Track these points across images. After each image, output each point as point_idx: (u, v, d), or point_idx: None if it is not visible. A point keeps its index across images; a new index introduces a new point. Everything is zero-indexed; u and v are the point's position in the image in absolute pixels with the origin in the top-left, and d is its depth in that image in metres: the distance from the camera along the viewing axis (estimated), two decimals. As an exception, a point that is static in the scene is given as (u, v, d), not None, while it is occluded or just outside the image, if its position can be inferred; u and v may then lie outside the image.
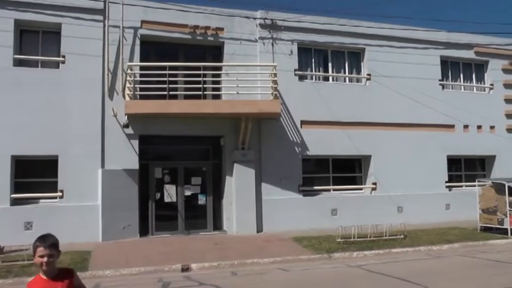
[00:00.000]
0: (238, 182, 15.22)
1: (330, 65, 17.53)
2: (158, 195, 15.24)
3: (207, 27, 15.59)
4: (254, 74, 15.45)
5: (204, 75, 14.86)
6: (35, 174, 13.88)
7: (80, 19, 14.33)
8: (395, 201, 16.97)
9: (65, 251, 11.74)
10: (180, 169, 15.56)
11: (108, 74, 14.41)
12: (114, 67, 14.52)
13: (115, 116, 14.22)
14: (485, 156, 19.53)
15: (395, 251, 12.34)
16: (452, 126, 18.54)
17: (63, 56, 14.21)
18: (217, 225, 15.76)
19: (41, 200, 13.86)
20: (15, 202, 13.51)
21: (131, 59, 14.66)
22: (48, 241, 3.36)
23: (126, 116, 14.19)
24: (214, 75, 15.58)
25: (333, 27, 17.05)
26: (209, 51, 16.30)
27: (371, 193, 17.29)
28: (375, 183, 17.22)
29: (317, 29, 16.78)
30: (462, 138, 18.58)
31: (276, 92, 14.96)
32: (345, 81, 17.87)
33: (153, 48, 15.55)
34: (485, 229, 15.07)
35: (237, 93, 14.75)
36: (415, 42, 18.16)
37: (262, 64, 15.59)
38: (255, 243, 13.42)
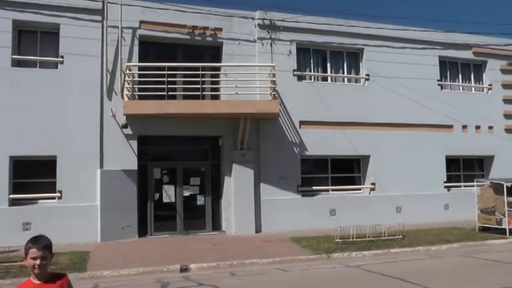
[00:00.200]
0: (237, 182, 15.22)
1: (328, 65, 17.54)
2: (157, 195, 15.23)
3: (206, 28, 15.58)
4: (253, 74, 15.47)
5: (203, 76, 14.85)
6: (34, 175, 13.86)
7: (78, 19, 14.32)
8: (394, 201, 16.98)
9: (63, 252, 11.80)
10: (179, 169, 15.55)
11: (106, 75, 14.40)
12: (112, 67, 14.50)
13: (114, 116, 14.21)
14: (483, 156, 19.55)
15: (394, 251, 12.35)
16: (450, 127, 18.56)
17: (62, 57, 14.19)
18: (216, 226, 15.75)
19: (40, 201, 13.84)
20: (13, 203, 13.49)
21: (130, 60, 14.66)
22: (41, 242, 3.16)
23: (125, 117, 14.19)
24: (212, 76, 15.58)
25: (331, 27, 17.06)
26: (208, 51, 16.30)
27: (370, 193, 17.30)
28: (373, 184, 17.24)
29: (316, 30, 16.79)
30: (461, 138, 18.60)
31: (275, 92, 14.97)
32: (343, 81, 17.88)
33: (152, 49, 15.56)
34: (484, 229, 15.09)
35: (236, 93, 14.76)
36: (414, 42, 18.18)
37: (261, 64, 15.60)
38: (254, 244, 13.41)
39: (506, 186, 14.54)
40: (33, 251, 3.11)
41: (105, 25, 14.47)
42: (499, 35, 19.91)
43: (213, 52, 16.24)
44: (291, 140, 16.22)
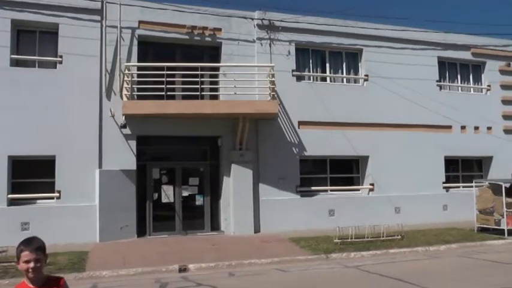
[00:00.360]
0: (236, 183, 15.22)
1: (327, 65, 17.55)
2: (156, 195, 15.22)
3: (205, 28, 15.58)
4: (252, 74, 15.47)
5: (202, 76, 14.85)
6: (32, 175, 13.84)
7: (78, 19, 14.31)
8: (392, 201, 16.99)
9: (62, 252, 11.79)
10: (178, 170, 15.55)
11: (105, 75, 14.39)
12: (111, 67, 14.49)
13: (112, 116, 14.20)
14: (482, 157, 19.57)
15: (392, 251, 12.36)
16: (449, 127, 18.58)
17: (61, 56, 14.18)
18: (215, 226, 15.75)
19: (38, 201, 13.82)
20: (12, 202, 13.47)
21: (129, 59, 14.65)
22: (34, 244, 2.96)
23: (124, 117, 14.18)
24: (211, 76, 15.57)
25: (330, 28, 17.07)
26: (207, 51, 16.30)
27: (368, 194, 17.31)
28: (372, 184, 17.24)
29: (315, 30, 16.81)
30: (459, 139, 18.62)
31: (274, 93, 14.96)
32: (342, 81, 17.89)
33: (151, 49, 15.55)
34: (482, 230, 15.11)
35: (235, 93, 14.76)
36: (413, 43, 18.20)
37: (260, 65, 15.61)
38: (253, 244, 13.41)
39: (505, 187, 14.56)
40: (26, 254, 2.92)
41: (104, 25, 14.47)
42: (497, 35, 19.91)
43: (212, 52, 16.24)
44: (290, 140, 16.22)
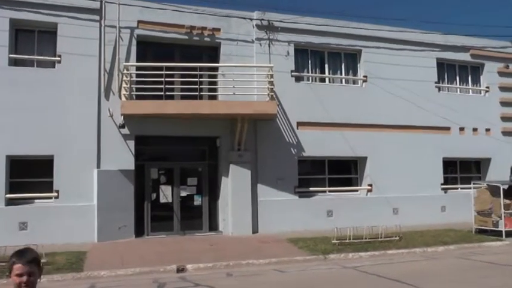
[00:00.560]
0: (234, 183, 15.22)
1: (326, 66, 17.55)
2: (154, 195, 15.21)
3: (204, 28, 15.58)
4: (250, 74, 15.48)
5: (201, 76, 14.84)
6: (30, 174, 13.81)
7: (76, 19, 14.28)
8: (390, 202, 16.99)
9: (60, 252, 11.77)
10: (176, 170, 15.54)
11: (104, 74, 14.37)
12: (110, 67, 14.48)
13: (111, 116, 14.19)
14: (480, 158, 19.59)
15: (390, 252, 12.36)
16: (448, 129, 18.59)
17: (59, 56, 14.16)
18: (213, 226, 15.74)
19: (36, 200, 13.80)
20: (10, 202, 13.45)
21: (127, 59, 14.64)
22: (28, 256, 2.73)
23: (122, 117, 14.16)
24: (210, 76, 15.56)
25: (329, 28, 17.08)
26: (206, 51, 16.29)
27: (367, 195, 17.31)
28: (370, 185, 17.25)
29: (314, 30, 16.81)
30: (458, 140, 18.63)
31: (273, 93, 14.96)
32: (341, 82, 17.89)
33: (150, 49, 15.54)
34: (480, 231, 15.13)
35: (234, 94, 14.76)
36: (412, 44, 18.21)
37: (259, 65, 15.60)
38: (251, 244, 13.41)
39: (503, 189, 14.58)
40: (18, 267, 2.69)
41: (103, 25, 14.45)
42: (496, 37, 19.94)
43: (211, 52, 16.24)
44: (289, 140, 16.22)
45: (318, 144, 16.34)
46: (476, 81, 20.07)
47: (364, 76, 17.62)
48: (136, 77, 14.69)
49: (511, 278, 9.45)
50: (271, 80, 14.84)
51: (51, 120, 13.74)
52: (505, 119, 19.63)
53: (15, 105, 13.41)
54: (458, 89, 19.78)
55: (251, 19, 16.28)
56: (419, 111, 17.79)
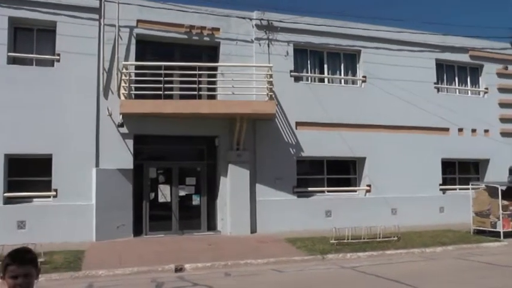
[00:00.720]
0: (233, 183, 15.21)
1: (325, 66, 17.55)
2: (152, 195, 15.19)
3: (203, 27, 15.57)
4: (250, 74, 15.46)
5: (200, 75, 14.84)
6: (29, 173, 13.79)
7: (76, 17, 14.25)
8: (389, 203, 16.99)
9: (58, 250, 11.75)
10: (175, 169, 15.52)
11: (103, 73, 14.35)
12: (109, 66, 14.46)
13: (110, 115, 14.17)
14: (479, 159, 19.61)
15: (388, 252, 12.37)
16: (446, 130, 18.60)
17: (58, 55, 14.13)
18: (211, 226, 15.73)
19: (35, 199, 13.77)
20: (8, 201, 13.42)
21: (127, 58, 14.62)
22: (24, 256, 2.50)
23: (121, 116, 14.15)
24: (209, 76, 15.55)
25: (329, 28, 17.08)
26: (205, 51, 16.28)
27: (365, 195, 17.32)
28: (369, 185, 17.26)
29: (313, 31, 16.81)
30: (456, 141, 18.65)
31: (272, 93, 14.96)
32: (340, 82, 17.90)
33: (149, 48, 15.53)
34: (479, 232, 15.15)
35: (233, 93, 14.76)
36: (411, 45, 18.22)
37: (258, 65, 15.60)
38: (249, 244, 13.40)
39: (501, 190, 14.60)
40: (13, 268, 2.43)
41: (102, 23, 14.43)
42: (495, 38, 19.93)
43: (210, 52, 16.22)
44: (287, 140, 16.22)
45: (316, 144, 16.34)
46: (475, 82, 20.09)
47: (363, 76, 17.63)
48: (136, 76, 14.68)
49: (509, 278, 9.46)
50: (271, 79, 14.83)
51: (50, 119, 13.71)
52: (503, 120, 19.66)
53: (13, 103, 13.38)
54: (457, 90, 19.79)
55: (250, 19, 16.27)
56: (418, 112, 17.79)
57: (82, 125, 13.97)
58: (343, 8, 42.96)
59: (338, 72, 17.78)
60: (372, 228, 13.32)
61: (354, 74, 17.93)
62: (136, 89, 14.53)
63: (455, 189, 18.87)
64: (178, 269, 10.40)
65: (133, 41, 14.86)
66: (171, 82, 14.88)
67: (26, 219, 13.21)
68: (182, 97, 15.04)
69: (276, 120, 15.96)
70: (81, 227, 13.47)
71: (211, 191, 15.83)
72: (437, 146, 18.19)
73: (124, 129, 14.35)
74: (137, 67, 14.75)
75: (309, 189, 16.69)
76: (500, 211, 14.46)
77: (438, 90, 18.97)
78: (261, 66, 15.38)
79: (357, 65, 17.90)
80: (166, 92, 14.44)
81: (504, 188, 14.89)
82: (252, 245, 13.34)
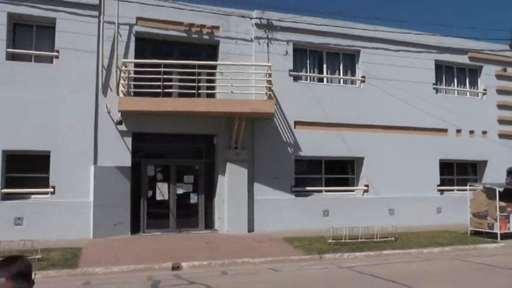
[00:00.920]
0: (231, 181, 15.21)
1: (324, 66, 17.55)
2: (150, 193, 15.19)
3: (203, 26, 15.55)
4: (249, 73, 15.45)
5: (199, 74, 14.84)
6: (27, 170, 13.77)
7: (75, 14, 14.23)
8: (387, 203, 17.02)
9: (55, 248, 11.74)
10: (173, 167, 15.52)
11: (102, 70, 14.34)
12: (108, 63, 14.44)
13: (108, 112, 14.15)
14: (477, 161, 19.64)
15: (386, 253, 12.38)
16: (445, 131, 18.62)
17: (57, 51, 14.11)
18: (209, 224, 15.73)
19: (32, 196, 13.75)
20: (5, 197, 13.40)
21: (126, 56, 14.60)
22: (12, 268, 2.11)
23: (120, 113, 14.13)
24: (208, 74, 15.56)
25: (328, 28, 17.08)
26: (204, 49, 16.27)
27: (363, 195, 17.33)
28: (367, 185, 17.27)
29: (313, 30, 16.80)
30: (455, 142, 18.67)
31: (270, 92, 14.96)
32: (339, 82, 17.90)
33: (148, 46, 15.50)
34: (476, 233, 15.17)
35: (231, 92, 14.74)
36: (410, 45, 18.23)
37: (257, 64, 15.59)
38: (246, 243, 13.41)
39: (499, 191, 14.62)
40: (0, 282, 2.09)
41: (101, 21, 14.41)
42: (494, 40, 19.97)
43: (210, 50, 16.21)
44: (286, 140, 16.22)
45: (315, 144, 16.35)
46: (473, 83, 20.11)
47: (362, 76, 17.64)
48: (135, 74, 14.65)
49: (506, 279, 9.48)
50: (270, 79, 14.84)
51: (48, 116, 13.69)
52: (501, 121, 19.69)
53: (12, 99, 13.37)
54: (455, 91, 19.81)
55: (250, 18, 16.26)
56: (416, 113, 17.81)
57: (80, 122, 13.95)
58: (343, 8, 42.95)
59: (337, 72, 17.78)
60: (369, 228, 13.33)
61: (353, 74, 17.93)
62: (135, 86, 14.50)
63: (453, 190, 18.90)
64: (175, 267, 10.40)
65: (132, 38, 14.84)
66: (170, 80, 14.85)
67: (23, 215, 13.20)
68: (181, 95, 15.02)
69: (275, 119, 15.96)
70: (79, 224, 13.46)
71: (209, 189, 15.82)
72: (436, 146, 18.21)
73: (122, 127, 14.34)
74: (136, 65, 14.72)
75: (307, 188, 16.70)
76: (498, 212, 14.49)
77: (437, 91, 18.98)
78: (260, 66, 15.38)
79: (356, 65, 17.90)
80: (165, 90, 14.41)
81: (502, 189, 14.92)
82: (249, 244, 13.35)
